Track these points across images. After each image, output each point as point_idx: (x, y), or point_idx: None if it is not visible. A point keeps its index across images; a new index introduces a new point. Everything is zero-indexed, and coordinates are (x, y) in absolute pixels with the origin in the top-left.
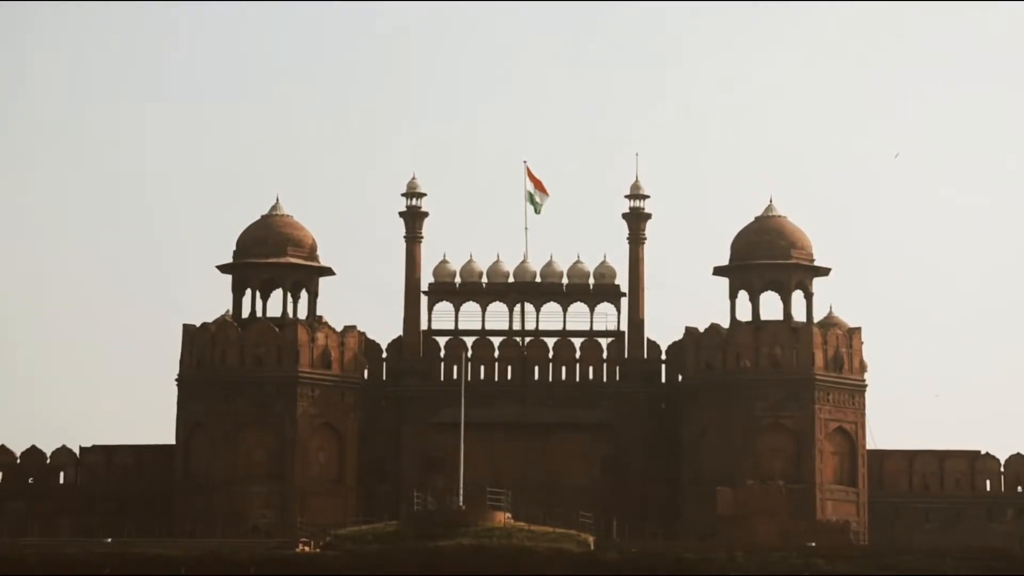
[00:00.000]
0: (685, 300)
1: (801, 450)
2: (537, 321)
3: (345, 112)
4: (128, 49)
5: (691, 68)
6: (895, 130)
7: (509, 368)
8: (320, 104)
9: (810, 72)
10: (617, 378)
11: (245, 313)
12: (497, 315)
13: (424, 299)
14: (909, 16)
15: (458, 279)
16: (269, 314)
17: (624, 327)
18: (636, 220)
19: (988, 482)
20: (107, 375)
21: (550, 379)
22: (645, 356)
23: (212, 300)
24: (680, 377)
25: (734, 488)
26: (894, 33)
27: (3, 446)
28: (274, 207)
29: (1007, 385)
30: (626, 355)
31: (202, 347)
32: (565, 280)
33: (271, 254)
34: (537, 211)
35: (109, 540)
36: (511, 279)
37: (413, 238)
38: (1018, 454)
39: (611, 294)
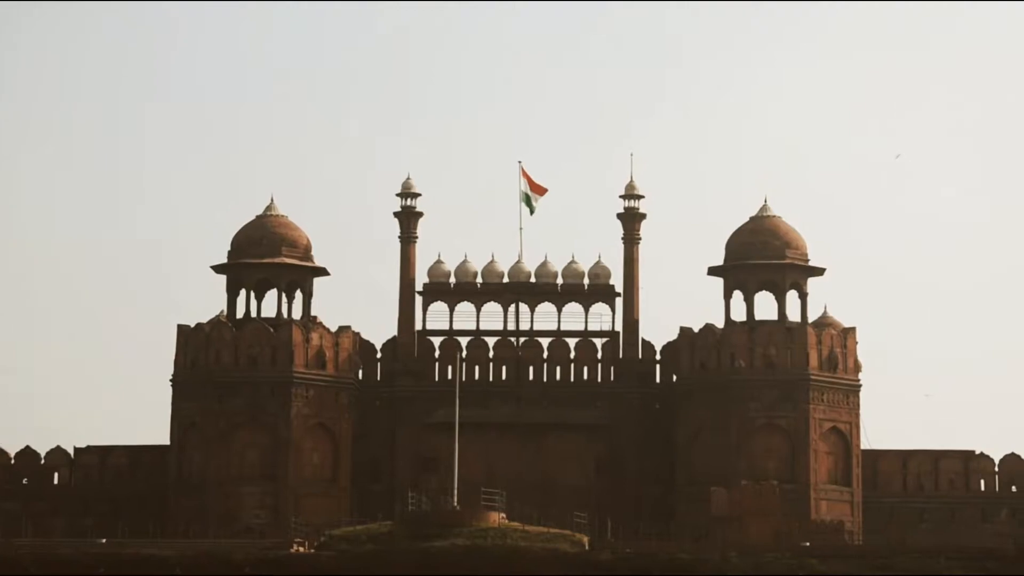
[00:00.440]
0: (680, 300)
1: (795, 450)
2: (532, 321)
3: (340, 112)
4: (123, 49)
5: (686, 69)
6: (890, 130)
7: (504, 368)
8: (315, 104)
9: (805, 73)
10: (612, 378)
11: (240, 313)
12: (492, 315)
13: (419, 299)
14: (904, 16)
15: (453, 279)
16: (264, 314)
17: (619, 327)
18: (631, 220)
19: (982, 482)
20: (101, 375)
21: (545, 379)
22: (640, 356)
23: (207, 300)
24: (674, 377)
25: (728, 488)
26: (888, 33)
27: None
28: (269, 207)
29: (1001, 385)
30: (621, 355)
31: (196, 347)
32: (560, 280)
33: (266, 254)
34: (532, 211)
35: (103, 540)
36: (506, 279)
37: (408, 238)
38: (1012, 454)
39: (606, 294)
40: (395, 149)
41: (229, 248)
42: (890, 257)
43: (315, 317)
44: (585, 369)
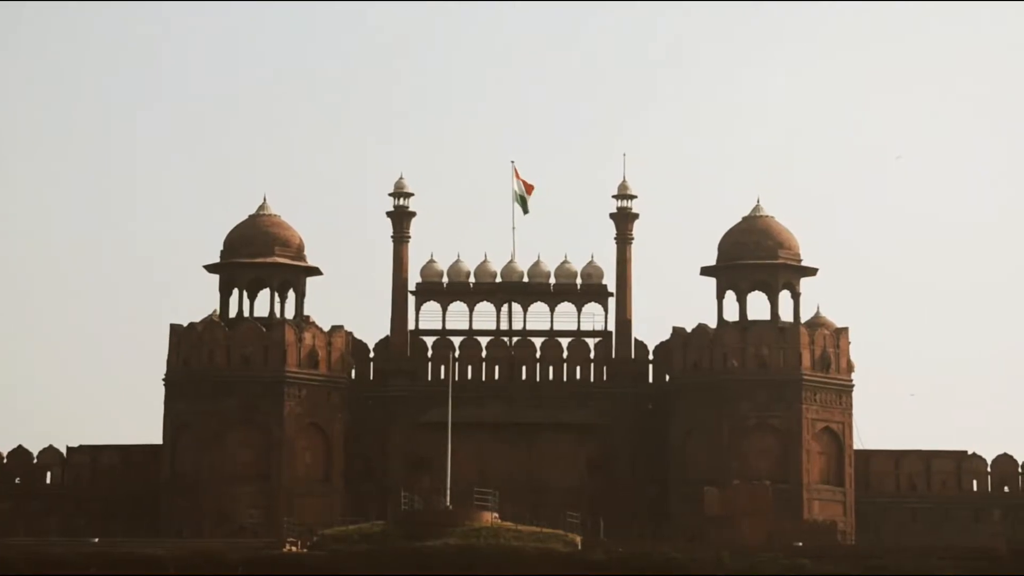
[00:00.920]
0: (672, 300)
1: (788, 450)
2: (524, 321)
3: (332, 112)
4: (116, 49)
5: (679, 69)
6: (884, 131)
7: (496, 368)
8: (307, 104)
9: (797, 73)
10: (604, 378)
11: (232, 313)
12: (484, 315)
13: (411, 299)
14: (898, 17)
15: (445, 279)
16: (256, 314)
17: (611, 327)
18: (623, 220)
19: (975, 482)
20: (94, 375)
21: (537, 379)
22: (632, 356)
23: (199, 300)
24: (667, 377)
25: (721, 488)
26: (881, 34)
27: None
28: (261, 207)
29: (994, 385)
30: (613, 355)
31: (189, 347)
32: (552, 280)
33: (258, 254)
34: (526, 211)
35: (96, 540)
36: (498, 279)
37: (400, 238)
38: (1005, 454)
39: (598, 294)
40: (388, 149)
41: (222, 247)
42: (883, 257)
43: (308, 317)
44: (578, 369)
